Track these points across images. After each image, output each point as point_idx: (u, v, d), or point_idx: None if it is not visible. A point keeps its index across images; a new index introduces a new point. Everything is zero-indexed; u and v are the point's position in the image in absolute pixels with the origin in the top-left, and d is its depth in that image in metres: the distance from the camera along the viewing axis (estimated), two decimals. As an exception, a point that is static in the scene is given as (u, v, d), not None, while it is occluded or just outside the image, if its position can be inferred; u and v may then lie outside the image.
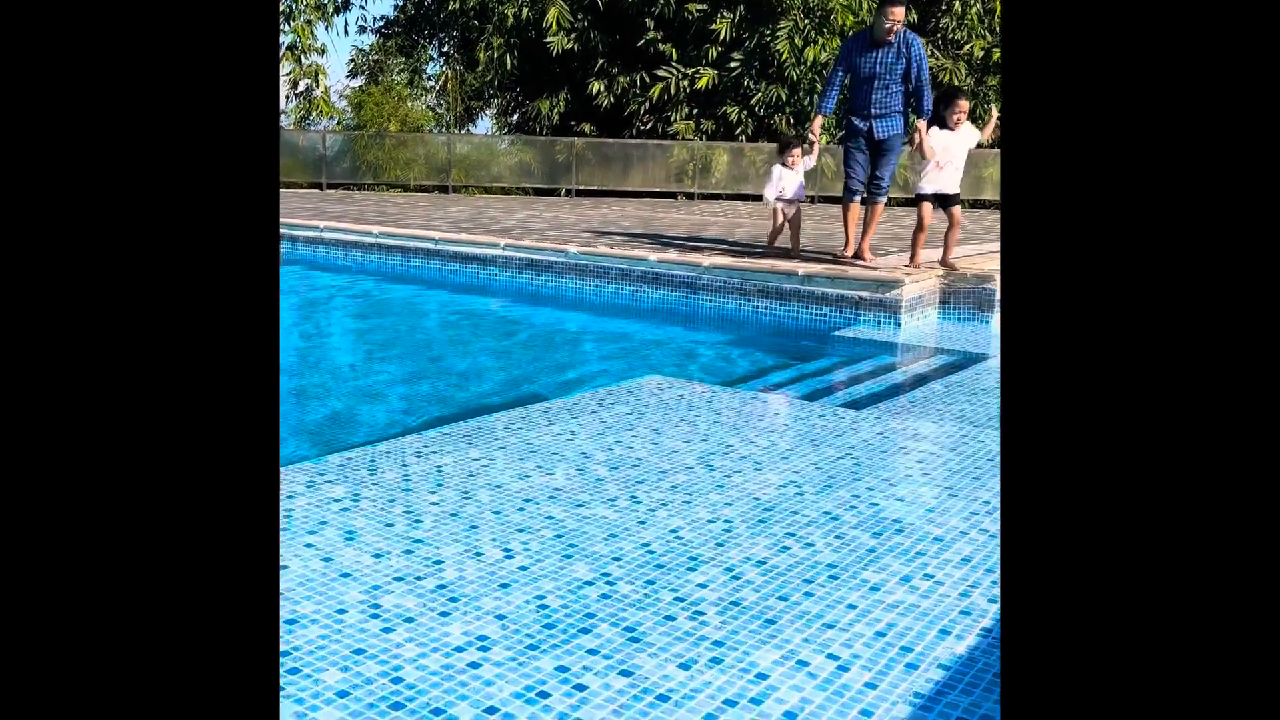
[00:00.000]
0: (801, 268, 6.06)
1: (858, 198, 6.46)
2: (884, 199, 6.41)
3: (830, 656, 1.86)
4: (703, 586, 2.15)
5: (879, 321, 5.66)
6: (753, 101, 14.03)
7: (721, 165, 14.36)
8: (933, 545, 2.44)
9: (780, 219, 6.61)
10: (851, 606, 2.08)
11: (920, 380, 4.52)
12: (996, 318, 5.87)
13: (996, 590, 2.18)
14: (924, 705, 1.71)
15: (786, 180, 6.50)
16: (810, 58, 13.29)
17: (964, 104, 5.89)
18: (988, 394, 4.14)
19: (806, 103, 13.92)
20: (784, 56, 13.45)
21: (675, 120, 14.47)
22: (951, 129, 5.82)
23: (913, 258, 6.14)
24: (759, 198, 14.31)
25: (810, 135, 6.56)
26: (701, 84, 13.88)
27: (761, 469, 3.00)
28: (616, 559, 2.28)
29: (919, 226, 6.02)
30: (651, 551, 2.33)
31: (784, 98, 13.87)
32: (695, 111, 14.58)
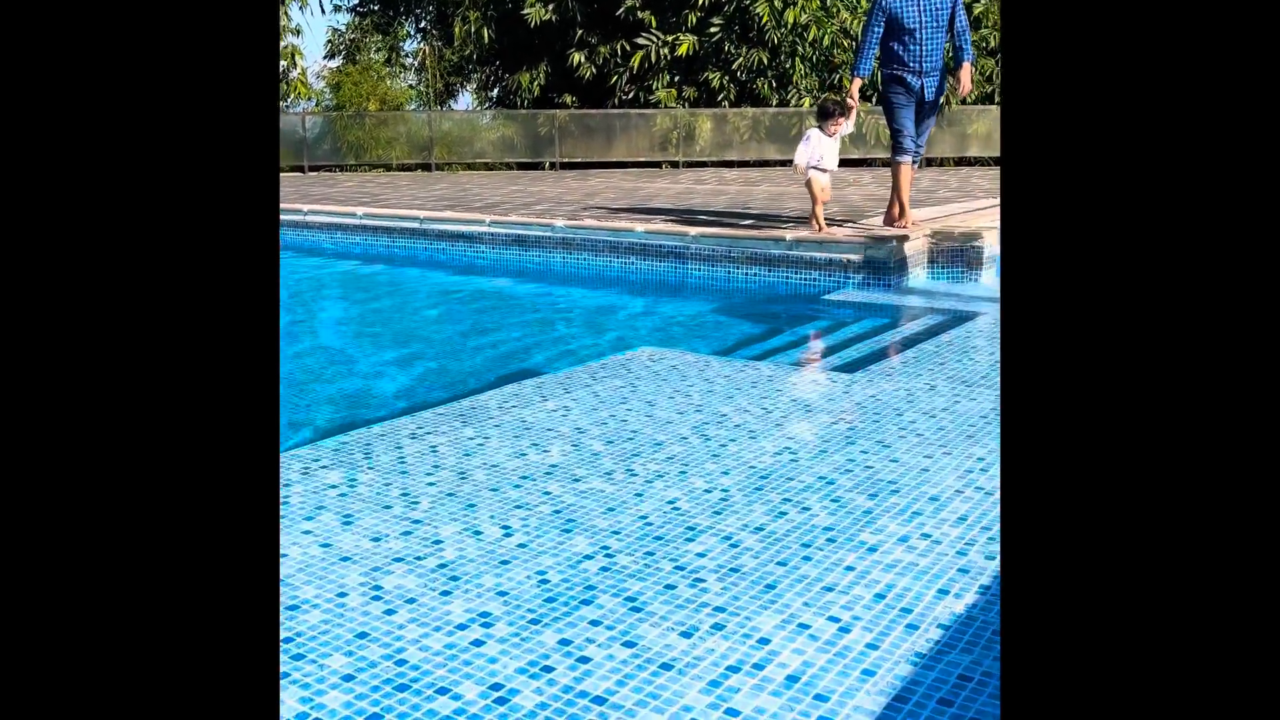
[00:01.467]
0: (790, 233, 6.05)
1: (909, 156, 5.92)
2: (918, 159, 6.02)
3: (831, 619, 1.88)
4: (702, 555, 2.16)
5: (869, 284, 5.66)
6: (734, 66, 13.93)
7: (705, 132, 14.28)
8: (929, 505, 2.45)
9: (818, 189, 5.92)
10: (850, 568, 2.10)
11: (911, 341, 4.53)
12: (984, 275, 5.87)
13: (993, 547, 2.20)
14: (925, 665, 1.72)
15: (825, 148, 5.85)
16: (790, 20, 13.18)
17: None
18: (978, 352, 4.15)
19: (788, 65, 13.82)
20: (764, 20, 13.34)
21: (657, 89, 14.37)
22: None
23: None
24: (744, 163, 14.25)
25: (850, 101, 5.94)
26: (682, 50, 13.77)
27: (756, 437, 3.00)
28: (615, 532, 2.29)
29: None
30: (650, 523, 2.34)
31: (765, 61, 13.78)
32: (677, 79, 14.48)
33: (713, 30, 13.79)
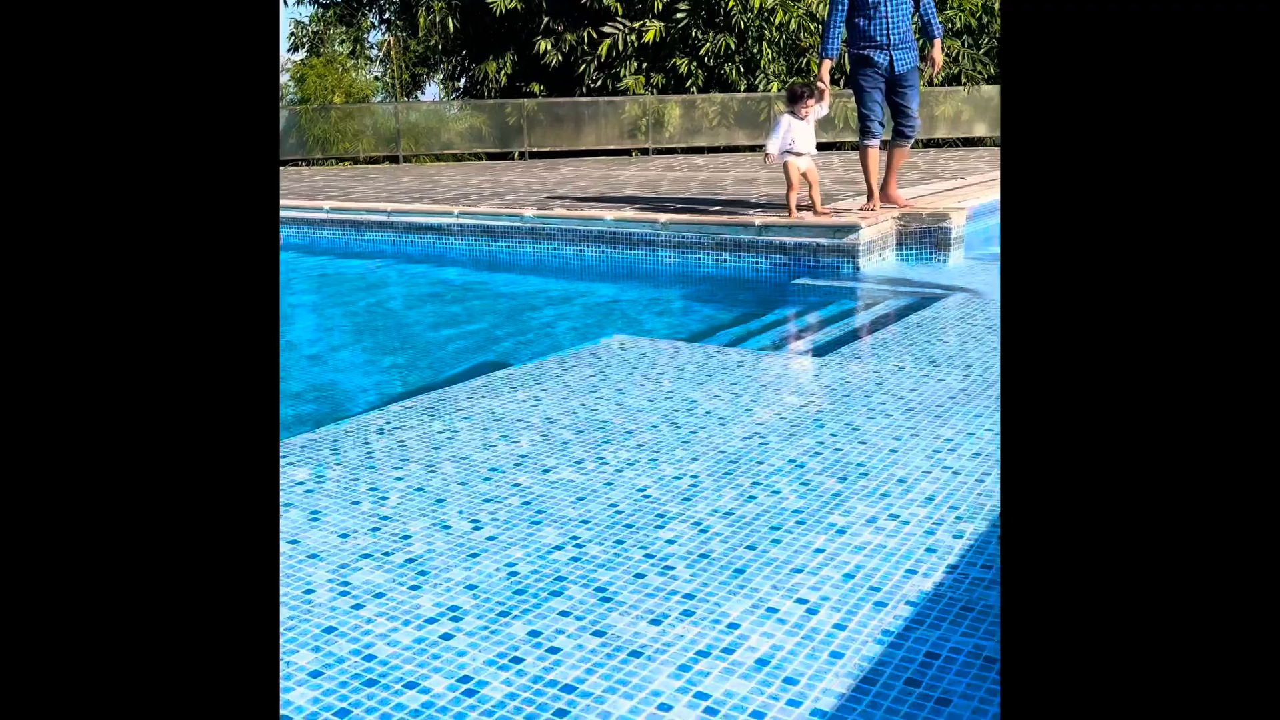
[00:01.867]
0: (759, 218, 6.05)
1: (878, 140, 5.87)
2: (914, 137, 5.92)
3: (799, 601, 1.88)
4: (671, 542, 2.16)
5: (838, 267, 5.68)
6: (701, 52, 13.91)
7: (674, 119, 14.26)
8: (897, 486, 2.47)
9: (795, 174, 5.83)
10: (819, 551, 2.10)
11: (880, 323, 4.56)
12: (952, 256, 5.90)
13: (960, 526, 2.22)
14: (893, 643, 1.74)
15: (797, 131, 5.74)
16: (756, 5, 13.16)
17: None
18: (946, 332, 4.18)
19: (755, 50, 13.82)
20: (730, 4, 13.32)
21: (625, 76, 14.32)
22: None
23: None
24: (714, 149, 14.24)
25: (819, 83, 5.88)
26: (649, 37, 13.72)
27: (726, 422, 3.01)
28: (585, 521, 2.28)
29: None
30: (620, 511, 2.34)
31: (733, 46, 13.76)
32: (644, 66, 14.44)
33: (679, 16, 13.75)
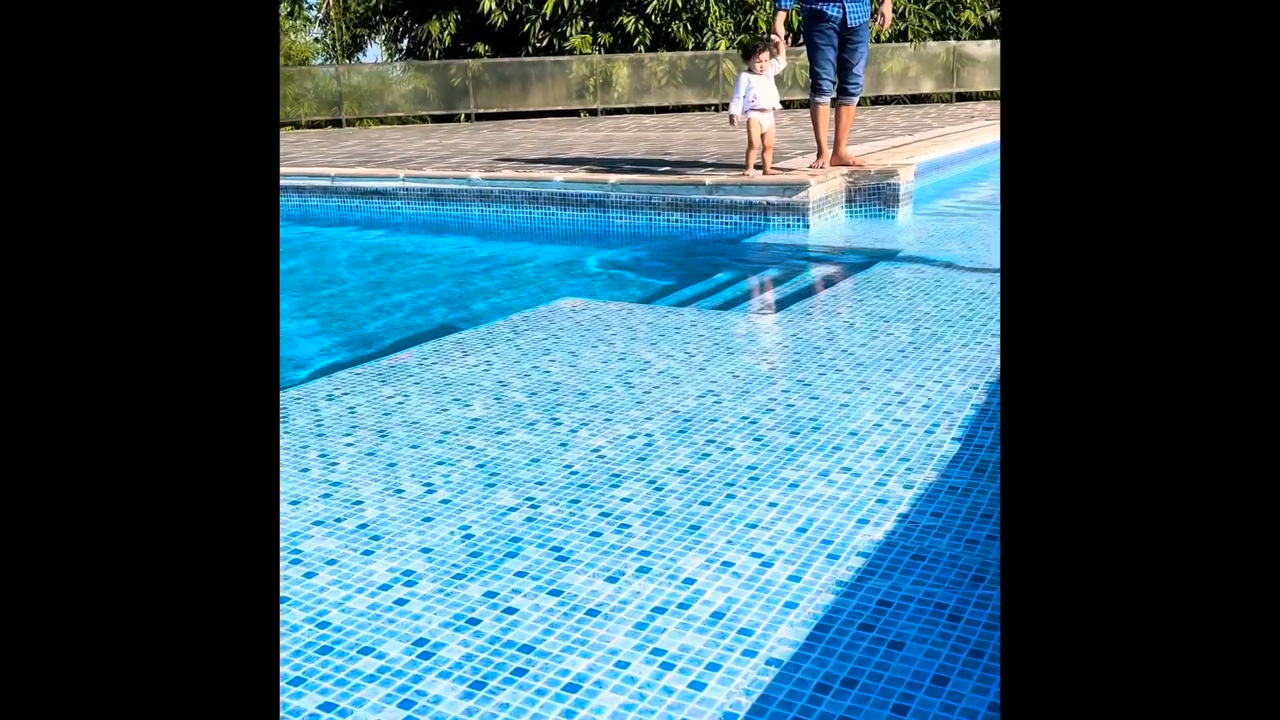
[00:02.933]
0: (710, 177, 6.03)
1: (829, 97, 5.88)
2: (859, 95, 5.89)
3: (754, 555, 1.90)
4: (627, 500, 2.16)
5: (788, 225, 5.69)
6: (648, 10, 13.74)
7: (622, 79, 14.11)
8: (849, 439, 2.49)
9: (756, 134, 5.86)
10: (773, 505, 2.12)
11: (830, 280, 4.58)
12: (901, 212, 5.94)
13: (910, 476, 2.25)
14: (846, 592, 1.76)
15: (758, 88, 5.75)
16: (703, -39, 13.02)
17: (764, 55, 5.73)
18: (895, 287, 4.21)
19: (702, 8, 13.69)
20: (676, -39, 13.16)
21: (571, 35, 14.12)
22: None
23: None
24: (663, 109, 14.12)
25: (774, 35, 5.85)
26: (595, -5, 13.53)
27: (680, 381, 3.01)
28: (540, 483, 2.28)
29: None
30: (575, 472, 2.34)
31: (679, 4, 13.61)
32: (591, 24, 14.24)
33: (625, -27, 13.58)
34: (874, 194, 5.97)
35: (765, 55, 5.76)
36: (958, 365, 3.05)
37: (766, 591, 1.77)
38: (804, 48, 6.03)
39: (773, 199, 5.72)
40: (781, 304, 4.07)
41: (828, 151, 6.03)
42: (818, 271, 4.86)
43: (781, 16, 5.86)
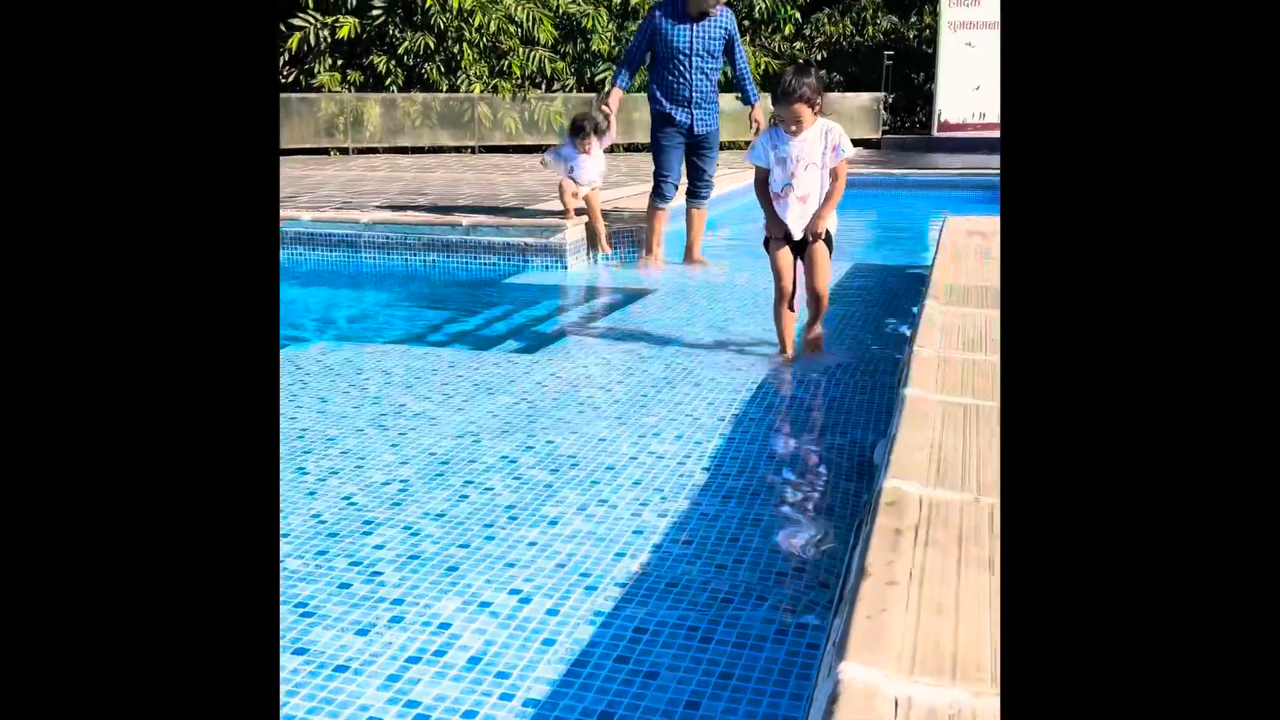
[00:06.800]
0: (466, 218, 6.00)
1: (669, 203, 5.54)
2: (709, 198, 5.58)
3: (512, 592, 1.88)
4: (379, 548, 2.08)
5: (546, 266, 5.75)
6: (400, 51, 13.56)
7: (374, 118, 13.79)
8: (606, 474, 2.54)
9: (568, 199, 5.74)
10: (532, 544, 2.11)
11: (588, 320, 4.67)
12: (641, 251, 6.15)
13: (664, 506, 2.32)
14: (603, 623, 1.78)
15: (582, 166, 5.71)
16: (455, 5, 13.04)
17: (590, 140, 5.63)
18: (649, 325, 4.36)
19: (455, 50, 13.69)
20: (429, 4, 13.10)
21: (319, 72, 13.66)
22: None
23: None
24: (419, 149, 13.92)
25: (605, 108, 5.50)
26: (343, 33, 13.17)
27: (437, 423, 2.95)
28: (284, 535, 2.14)
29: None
30: (323, 521, 2.22)
31: (432, 46, 13.54)
32: (340, 63, 13.84)
33: (375, 13, 13.31)
34: (627, 237, 6.16)
35: (592, 140, 5.63)
36: (706, 399, 3.19)
37: (524, 630, 1.75)
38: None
39: (530, 240, 5.77)
40: (540, 343, 4.10)
41: (657, 252, 5.68)
42: (575, 312, 4.94)
43: (616, 94, 5.46)
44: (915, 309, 3.65)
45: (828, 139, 3.41)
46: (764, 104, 5.64)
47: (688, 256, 5.74)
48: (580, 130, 5.70)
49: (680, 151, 5.40)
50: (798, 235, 3.53)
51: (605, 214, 6.00)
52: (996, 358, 2.64)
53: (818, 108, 3.39)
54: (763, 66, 13.82)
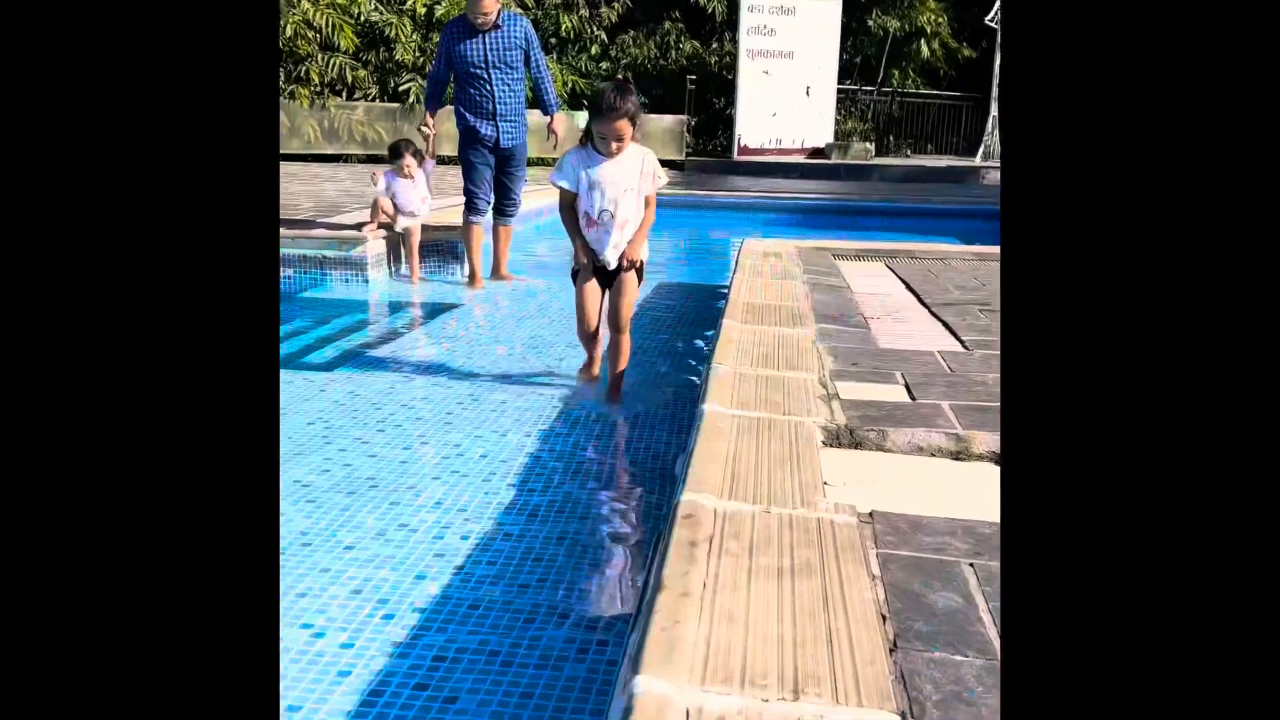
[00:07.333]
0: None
1: (483, 218, 5.48)
2: (515, 215, 5.55)
3: (304, 626, 1.80)
4: (155, 584, 1.94)
5: (346, 280, 5.55)
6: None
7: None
8: (407, 494, 2.47)
9: (379, 213, 5.65)
10: (325, 571, 2.03)
11: (390, 335, 4.54)
12: (459, 270, 6.06)
13: (468, 527, 2.28)
14: (401, 652, 1.73)
15: (401, 192, 5.62)
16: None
17: (409, 161, 5.59)
18: (455, 341, 4.29)
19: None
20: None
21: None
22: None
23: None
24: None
25: (424, 127, 5.44)
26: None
27: (223, 446, 2.78)
28: (43, 575, 1.95)
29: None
30: (90, 558, 2.04)
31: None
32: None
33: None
34: (431, 251, 6.04)
35: (411, 162, 5.54)
36: (514, 415, 3.17)
37: (317, 663, 1.68)
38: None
39: (328, 253, 5.56)
40: (338, 361, 3.95)
41: (477, 270, 5.60)
42: (377, 327, 4.80)
43: (430, 119, 5.45)
44: (711, 332, 3.78)
45: (645, 164, 3.28)
46: (561, 116, 5.79)
47: (495, 272, 5.72)
48: (397, 153, 5.61)
49: (489, 169, 5.38)
50: (613, 264, 3.32)
51: (408, 228, 5.85)
52: (790, 373, 2.78)
53: (638, 127, 3.24)
54: (570, 85, 13.95)
